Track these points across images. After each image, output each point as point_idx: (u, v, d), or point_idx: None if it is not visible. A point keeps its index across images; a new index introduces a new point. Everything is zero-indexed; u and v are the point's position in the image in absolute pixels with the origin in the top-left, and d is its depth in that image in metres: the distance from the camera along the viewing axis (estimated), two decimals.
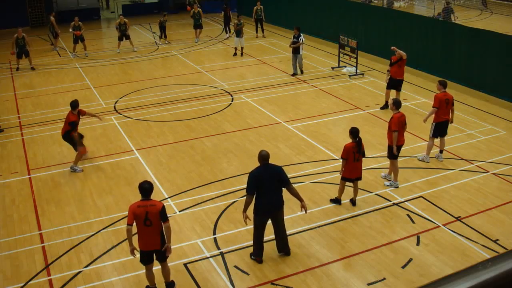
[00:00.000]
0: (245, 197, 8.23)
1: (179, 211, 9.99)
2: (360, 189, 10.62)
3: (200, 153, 12.59)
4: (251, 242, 8.72)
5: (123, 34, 22.57)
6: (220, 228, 9.43)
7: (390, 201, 10.19)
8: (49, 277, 8.28)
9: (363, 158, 9.91)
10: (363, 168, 11.42)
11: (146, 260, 7.58)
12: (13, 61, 21.08)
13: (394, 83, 14.52)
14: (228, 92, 16.98)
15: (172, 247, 7.72)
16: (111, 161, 12.33)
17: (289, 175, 10.86)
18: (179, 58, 21.78)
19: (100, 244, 9.09)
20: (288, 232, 8.70)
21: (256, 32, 24.81)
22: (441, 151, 11.85)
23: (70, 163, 12.33)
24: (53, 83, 18.74)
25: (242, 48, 21.52)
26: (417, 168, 11.47)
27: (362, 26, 21.07)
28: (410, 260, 8.42)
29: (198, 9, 23.84)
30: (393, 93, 14.69)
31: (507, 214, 9.67)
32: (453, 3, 26.82)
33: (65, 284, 8.09)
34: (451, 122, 11.82)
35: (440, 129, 11.66)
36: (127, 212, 9.93)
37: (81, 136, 12.28)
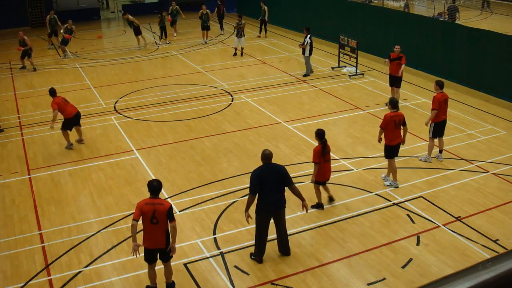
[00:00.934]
0: (246, 197, 8.22)
1: (179, 211, 9.99)
2: (360, 189, 10.63)
3: (200, 153, 12.59)
4: (251, 242, 8.73)
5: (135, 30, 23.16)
6: (220, 228, 9.43)
7: (390, 201, 10.19)
8: (49, 277, 8.28)
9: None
10: (363, 168, 11.46)
11: (149, 258, 7.60)
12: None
13: (393, 80, 14.71)
14: (228, 92, 16.98)
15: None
16: (111, 161, 12.33)
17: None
18: (179, 58, 21.78)
19: (100, 244, 9.09)
20: (288, 232, 8.69)
21: (260, 32, 24.83)
22: (440, 151, 11.85)
23: (70, 163, 12.35)
24: (53, 83, 18.72)
25: (242, 48, 21.52)
26: (417, 168, 11.47)
27: (362, 26, 21.07)
28: (410, 260, 8.42)
29: (207, 10, 23.74)
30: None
31: (507, 214, 9.67)
32: (452, 2, 26.79)
33: (65, 284, 8.09)
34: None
35: (439, 129, 11.67)
36: (127, 212, 10.01)
37: (68, 127, 12.92)
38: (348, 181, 10.95)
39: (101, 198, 10.67)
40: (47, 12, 29.70)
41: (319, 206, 9.93)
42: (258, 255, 8.45)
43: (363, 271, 8.18)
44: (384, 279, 7.99)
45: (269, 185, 8.04)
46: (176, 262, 8.39)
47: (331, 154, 12.20)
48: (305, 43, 17.92)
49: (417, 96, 16.09)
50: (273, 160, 8.30)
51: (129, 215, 9.95)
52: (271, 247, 8.69)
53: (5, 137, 13.98)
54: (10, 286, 8.09)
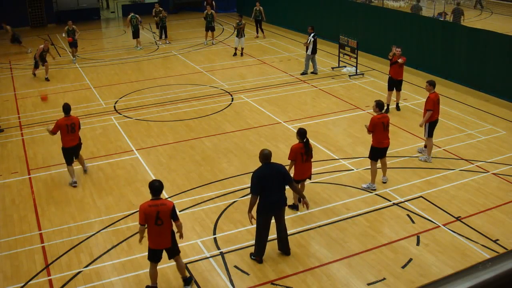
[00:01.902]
0: (247, 198, 8.24)
1: (179, 211, 9.97)
2: (360, 189, 10.63)
3: (200, 153, 12.59)
4: (251, 242, 8.73)
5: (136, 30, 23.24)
6: (220, 228, 9.43)
7: (390, 201, 10.19)
8: (49, 277, 8.28)
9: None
10: (363, 168, 11.46)
11: (154, 258, 7.62)
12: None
13: (395, 84, 14.51)
14: (228, 92, 16.98)
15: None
16: (111, 161, 12.33)
17: None
18: (179, 58, 21.78)
19: (100, 244, 9.08)
20: (288, 232, 8.69)
21: (257, 32, 24.80)
22: (425, 146, 11.99)
23: None
24: (53, 83, 18.74)
25: (242, 48, 21.52)
26: (417, 168, 11.47)
27: (362, 26, 21.07)
28: (410, 260, 8.43)
29: (212, 11, 23.67)
30: (394, 93, 14.72)
31: (507, 214, 9.67)
32: (453, 3, 26.81)
33: (65, 284, 8.09)
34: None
35: (434, 128, 11.75)
36: (127, 212, 10.01)
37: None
38: (348, 181, 10.95)
39: (101, 198, 10.67)
40: (47, 12, 29.80)
41: (294, 207, 9.85)
42: (258, 255, 8.45)
43: (363, 271, 8.18)
44: (384, 279, 7.99)
45: (270, 185, 8.04)
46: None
47: (331, 154, 12.25)
48: (308, 41, 17.96)
49: (417, 96, 16.09)
50: (273, 160, 8.31)
51: (129, 215, 9.96)
52: (271, 247, 8.69)
53: (5, 137, 13.98)
54: (10, 286, 8.09)
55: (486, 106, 15.22)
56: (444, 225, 9.36)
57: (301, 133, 9.45)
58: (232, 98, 16.39)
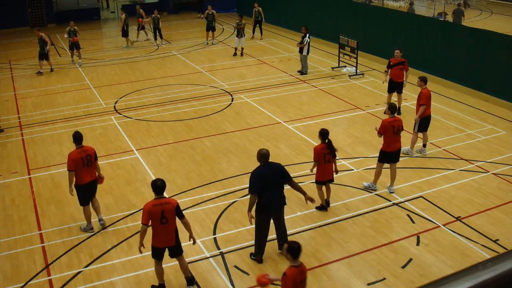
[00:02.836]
0: (246, 197, 8.24)
1: None
2: (360, 189, 10.63)
3: (200, 153, 12.59)
4: (251, 242, 8.72)
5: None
6: (220, 228, 9.43)
7: (390, 201, 10.19)
8: (49, 277, 8.28)
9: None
10: (363, 168, 11.46)
11: (158, 256, 7.63)
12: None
13: (395, 86, 14.41)
14: (228, 92, 16.98)
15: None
16: (111, 161, 12.33)
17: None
18: (179, 58, 21.78)
19: (100, 244, 9.08)
20: (288, 232, 8.70)
21: (253, 33, 24.71)
22: (424, 145, 12.06)
23: None
24: (53, 83, 18.74)
25: (242, 48, 21.52)
26: (417, 168, 11.48)
27: (362, 26, 21.07)
28: (410, 260, 8.43)
29: (213, 11, 23.61)
30: (394, 96, 14.67)
31: (507, 214, 9.67)
32: (453, 3, 26.83)
33: (65, 284, 8.10)
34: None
35: (424, 124, 11.82)
36: (127, 212, 10.01)
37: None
38: (348, 181, 10.95)
39: (101, 198, 10.63)
40: (47, 12, 29.80)
41: (322, 207, 9.90)
42: (258, 255, 8.45)
43: (363, 271, 8.18)
44: (384, 279, 7.99)
45: (269, 184, 8.05)
46: (176, 262, 8.39)
47: None
48: (304, 42, 17.97)
49: (416, 96, 16.05)
50: (273, 160, 8.31)
51: (129, 215, 9.96)
52: (271, 247, 8.69)
53: (5, 137, 13.98)
54: (10, 286, 8.09)
55: (486, 106, 15.22)
56: (444, 225, 9.36)
57: (323, 134, 9.51)
58: (232, 98, 16.39)
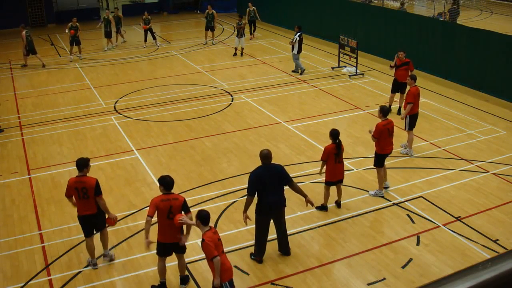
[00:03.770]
0: (245, 197, 8.22)
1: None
2: (360, 189, 10.63)
3: (200, 153, 12.59)
4: (251, 242, 8.72)
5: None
6: (220, 228, 9.42)
7: (390, 201, 10.19)
8: (49, 277, 8.28)
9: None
10: (363, 168, 11.46)
11: (163, 252, 7.67)
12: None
13: (399, 86, 14.41)
14: (228, 92, 16.98)
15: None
16: (111, 161, 12.33)
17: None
18: (179, 58, 21.78)
19: (100, 244, 9.06)
20: (288, 232, 8.70)
21: (250, 33, 24.70)
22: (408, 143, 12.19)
23: (71, 163, 12.30)
24: (53, 83, 18.75)
25: (242, 48, 21.52)
26: (417, 168, 11.48)
27: (362, 26, 21.07)
28: (410, 260, 8.42)
29: (213, 10, 23.56)
30: (397, 95, 14.70)
31: (507, 214, 9.67)
32: (449, 1, 26.78)
33: (65, 284, 8.09)
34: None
35: (414, 122, 11.96)
36: (127, 212, 10.01)
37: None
38: (348, 181, 10.94)
39: None
40: (47, 12, 29.81)
41: (323, 208, 9.89)
42: (258, 255, 8.45)
43: (363, 271, 8.18)
44: (384, 279, 7.99)
45: (269, 186, 8.04)
46: (176, 262, 8.39)
47: None
48: (294, 40, 18.07)
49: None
50: (273, 160, 8.30)
51: (129, 215, 9.96)
52: (271, 247, 8.69)
53: (5, 137, 13.98)
54: (10, 286, 8.09)
55: (486, 106, 15.22)
56: (444, 225, 9.36)
57: (334, 134, 9.53)
58: (232, 98, 16.39)
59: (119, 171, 11.79)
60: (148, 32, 23.48)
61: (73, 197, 8.15)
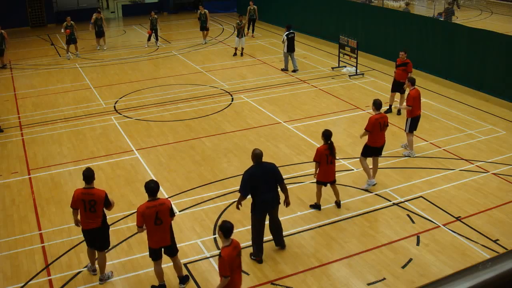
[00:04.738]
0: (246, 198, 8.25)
1: (179, 211, 9.99)
2: (360, 189, 10.63)
3: (200, 153, 12.59)
4: (251, 242, 8.72)
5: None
6: None
7: (390, 201, 10.19)
8: (49, 277, 8.28)
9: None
10: (363, 168, 11.44)
11: (155, 256, 7.67)
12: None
13: (399, 86, 14.41)
14: (228, 92, 16.98)
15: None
16: (111, 161, 12.33)
17: (289, 175, 10.90)
18: (179, 58, 21.78)
19: None
20: (288, 232, 8.71)
21: (251, 32, 24.74)
22: (407, 144, 12.12)
23: (70, 163, 12.31)
24: (53, 83, 18.75)
25: (242, 48, 21.52)
26: (417, 168, 11.47)
27: (362, 26, 21.07)
28: (410, 260, 8.42)
29: (205, 10, 23.55)
30: (397, 96, 14.68)
31: (507, 214, 9.67)
32: (454, 3, 26.82)
33: (65, 284, 8.10)
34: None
35: (415, 124, 11.93)
36: (127, 212, 10.01)
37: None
38: (348, 181, 10.95)
39: None
40: (47, 12, 29.80)
41: (316, 206, 9.91)
42: (257, 255, 8.47)
43: (363, 271, 8.18)
44: (384, 279, 7.99)
45: (263, 184, 8.12)
46: None
47: None
48: (282, 40, 18.62)
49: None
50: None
51: (129, 215, 9.96)
52: (271, 247, 8.69)
53: (5, 137, 13.98)
54: (10, 286, 8.09)
55: (486, 106, 15.22)
56: (444, 225, 9.36)
57: (326, 135, 9.56)
58: (232, 98, 16.39)
59: (119, 171, 11.79)
60: (153, 33, 23.53)
61: (78, 210, 7.82)
